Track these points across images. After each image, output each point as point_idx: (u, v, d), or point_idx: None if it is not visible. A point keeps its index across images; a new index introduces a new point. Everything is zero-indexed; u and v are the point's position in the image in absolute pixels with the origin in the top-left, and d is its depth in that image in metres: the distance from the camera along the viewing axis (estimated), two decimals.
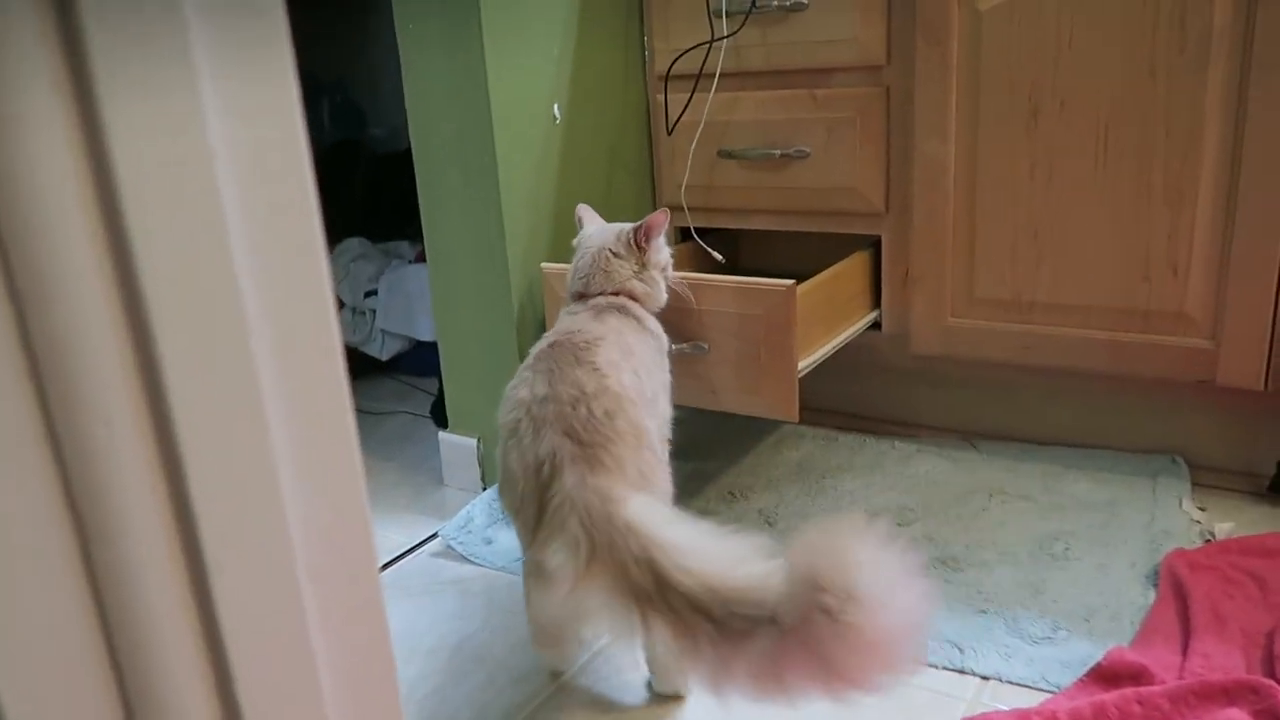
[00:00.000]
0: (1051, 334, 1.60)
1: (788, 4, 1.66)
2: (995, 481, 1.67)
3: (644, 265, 1.38)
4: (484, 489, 1.77)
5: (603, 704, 1.22)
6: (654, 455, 1.15)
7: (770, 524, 1.59)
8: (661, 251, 1.41)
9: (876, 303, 1.77)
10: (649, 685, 1.23)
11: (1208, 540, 1.44)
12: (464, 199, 1.65)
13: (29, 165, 0.36)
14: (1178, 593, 1.28)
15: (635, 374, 1.22)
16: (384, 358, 2.40)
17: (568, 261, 1.45)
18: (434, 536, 1.66)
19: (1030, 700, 1.15)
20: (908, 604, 0.93)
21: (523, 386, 1.18)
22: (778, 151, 1.74)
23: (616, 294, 1.36)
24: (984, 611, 1.32)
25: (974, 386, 1.82)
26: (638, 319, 1.35)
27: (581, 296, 1.37)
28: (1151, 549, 1.42)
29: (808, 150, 1.71)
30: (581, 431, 1.09)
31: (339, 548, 0.50)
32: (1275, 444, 1.57)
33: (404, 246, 2.48)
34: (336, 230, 2.44)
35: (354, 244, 2.47)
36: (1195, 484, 1.60)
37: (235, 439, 0.43)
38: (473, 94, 1.58)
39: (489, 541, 1.60)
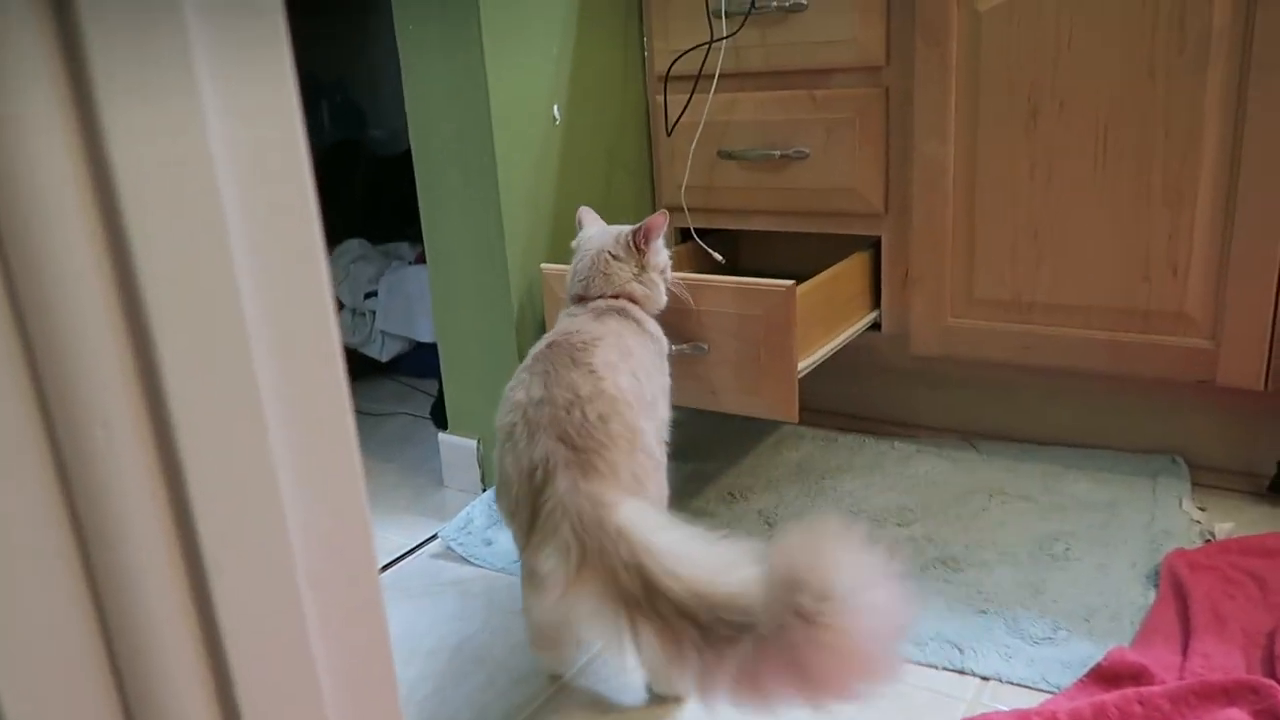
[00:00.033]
0: (1051, 334, 1.60)
1: (787, 5, 1.66)
2: (995, 482, 1.67)
3: (643, 267, 1.38)
4: (484, 490, 1.76)
5: (603, 705, 1.22)
6: (649, 458, 1.15)
7: (770, 525, 1.59)
8: (660, 254, 1.41)
9: (876, 303, 1.77)
10: (649, 687, 1.23)
11: (1208, 540, 1.44)
12: (464, 200, 1.65)
13: (28, 166, 0.36)
14: (1178, 593, 1.28)
15: (633, 376, 1.21)
16: (384, 359, 2.40)
17: (567, 262, 1.45)
18: (434, 538, 1.66)
19: (1030, 701, 1.15)
20: (886, 607, 0.93)
21: (519, 389, 1.18)
22: (777, 152, 1.74)
23: (616, 297, 1.36)
24: (984, 612, 1.32)
25: (974, 387, 1.82)
26: (638, 321, 1.35)
27: (581, 299, 1.37)
28: (1152, 549, 1.42)
29: (807, 151, 1.71)
30: (575, 436, 1.09)
31: (339, 549, 0.50)
32: (1275, 444, 1.57)
33: (404, 248, 2.48)
34: (336, 231, 2.44)
35: (354, 245, 2.47)
36: (1195, 484, 1.60)
37: (234, 441, 0.43)
38: (472, 95, 1.58)
39: (489, 543, 1.60)
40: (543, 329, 1.65)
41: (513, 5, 1.59)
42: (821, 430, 1.91)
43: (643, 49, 1.86)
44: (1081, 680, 1.15)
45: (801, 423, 1.59)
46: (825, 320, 1.60)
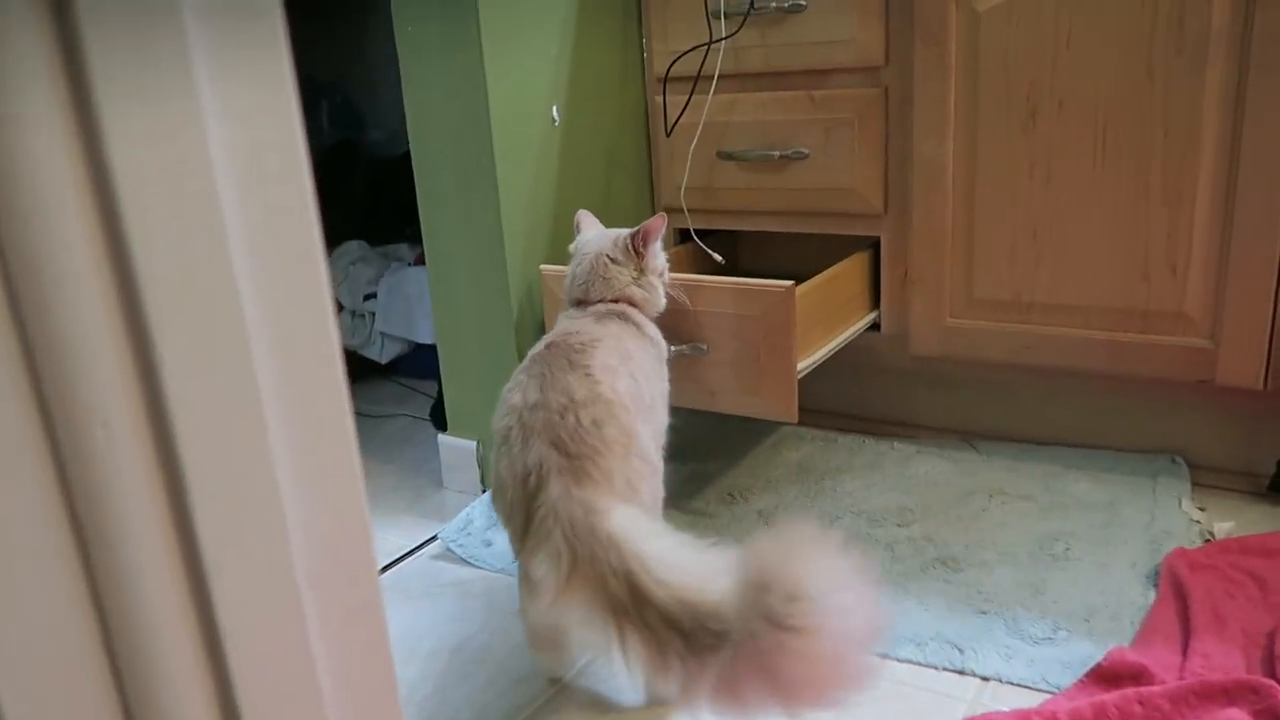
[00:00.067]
0: (1051, 334, 1.60)
1: (786, 5, 1.66)
2: (995, 482, 1.67)
3: (642, 271, 1.38)
4: (483, 491, 1.76)
5: (603, 705, 1.22)
6: (644, 463, 1.15)
7: (770, 525, 1.59)
8: (658, 257, 1.41)
9: (875, 303, 1.77)
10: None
11: (1208, 540, 1.44)
12: (463, 201, 1.65)
13: (28, 167, 0.36)
14: (1178, 593, 1.28)
15: (632, 378, 1.21)
16: (383, 360, 2.40)
17: (566, 264, 1.45)
18: (433, 539, 1.66)
19: (1031, 701, 1.15)
20: (857, 611, 0.92)
21: (516, 391, 1.18)
22: (776, 153, 1.74)
23: (616, 301, 1.36)
24: (984, 612, 1.32)
25: (973, 387, 1.82)
26: (638, 325, 1.35)
27: (581, 303, 1.37)
28: (1152, 549, 1.42)
29: (806, 151, 1.71)
30: (569, 442, 1.09)
31: (338, 550, 0.50)
32: (1275, 443, 1.57)
33: (403, 249, 2.48)
34: (335, 233, 2.44)
35: (353, 247, 2.47)
36: (1195, 484, 1.60)
37: (234, 442, 0.43)
38: (471, 96, 1.58)
39: (488, 544, 1.60)
40: (542, 330, 1.65)
41: (512, 6, 1.59)
42: (821, 431, 1.91)
43: (642, 50, 1.86)
44: (1081, 680, 1.15)
45: (801, 423, 1.59)
46: (825, 321, 1.60)
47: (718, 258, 1.78)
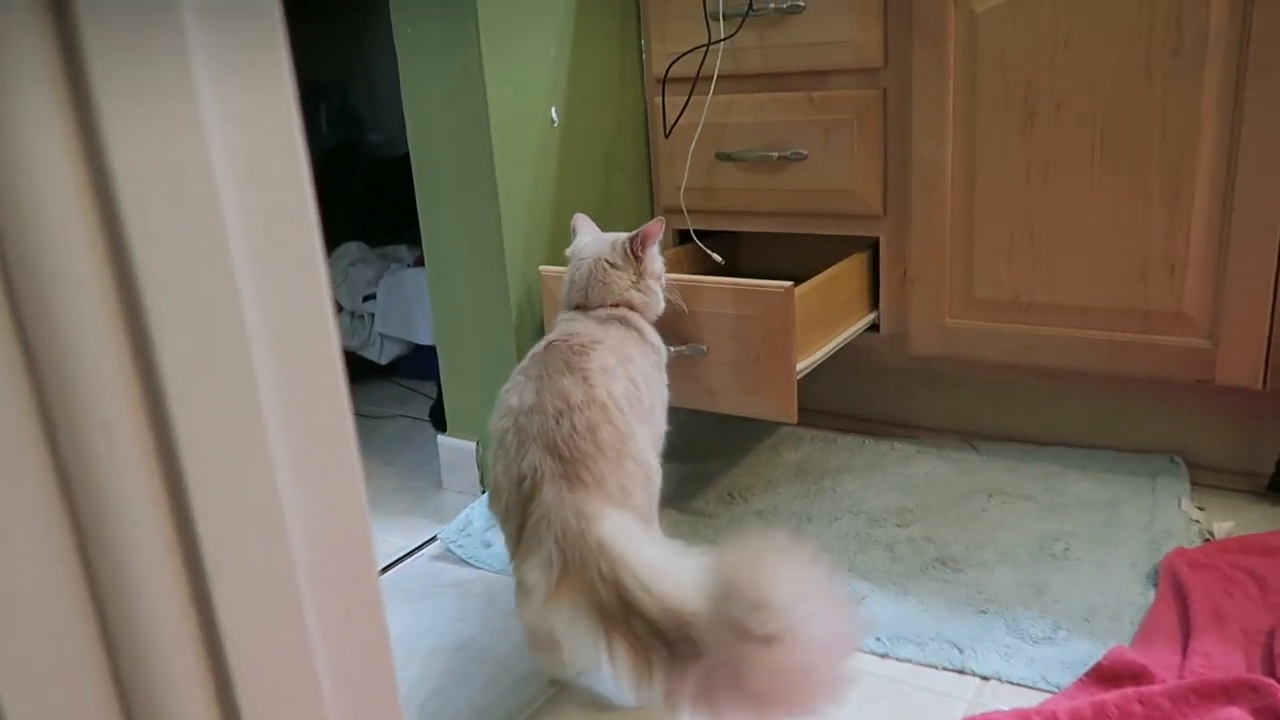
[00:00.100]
0: (1050, 334, 1.60)
1: (785, 6, 1.66)
2: (995, 482, 1.67)
3: (641, 275, 1.38)
4: (483, 492, 1.76)
5: (602, 706, 1.22)
6: (638, 467, 1.15)
7: (770, 525, 1.59)
8: (656, 260, 1.41)
9: (875, 304, 1.77)
10: None
11: (1207, 539, 1.44)
12: (462, 202, 1.65)
13: (27, 168, 0.36)
14: (1178, 592, 1.28)
15: (630, 381, 1.22)
16: (383, 361, 2.40)
17: (566, 266, 1.45)
18: (433, 540, 1.66)
19: (1031, 700, 1.15)
20: (826, 622, 0.92)
21: (513, 393, 1.18)
22: (775, 154, 1.74)
23: (617, 305, 1.36)
24: (984, 612, 1.32)
25: (973, 387, 1.83)
26: (639, 330, 1.35)
27: (580, 308, 1.37)
28: (1151, 548, 1.42)
29: (805, 152, 1.72)
30: (563, 447, 1.09)
31: (339, 551, 0.50)
32: (1274, 443, 1.57)
33: (402, 250, 2.48)
34: (335, 234, 2.44)
35: (352, 248, 2.47)
36: (1195, 483, 1.60)
37: (234, 443, 0.43)
38: (470, 97, 1.58)
39: (488, 544, 1.60)
40: (541, 331, 1.65)
41: (510, 8, 1.60)
42: (821, 431, 1.91)
43: (640, 51, 1.86)
44: (1081, 680, 1.15)
45: (801, 424, 1.59)
46: (824, 321, 1.60)
47: (717, 258, 1.78)
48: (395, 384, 2.41)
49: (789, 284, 1.42)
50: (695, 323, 1.49)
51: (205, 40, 0.40)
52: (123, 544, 0.40)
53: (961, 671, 1.21)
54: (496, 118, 1.58)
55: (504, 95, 1.60)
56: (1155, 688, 1.08)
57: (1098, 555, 1.42)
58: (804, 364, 1.50)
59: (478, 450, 1.78)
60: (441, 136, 1.64)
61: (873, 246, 1.74)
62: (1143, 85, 1.44)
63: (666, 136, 1.83)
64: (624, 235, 1.39)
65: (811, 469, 1.77)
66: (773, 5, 1.67)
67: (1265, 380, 1.46)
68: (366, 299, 2.38)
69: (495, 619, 1.42)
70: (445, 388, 1.81)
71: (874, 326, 1.77)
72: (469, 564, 1.57)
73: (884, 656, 1.25)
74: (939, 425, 1.87)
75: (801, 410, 1.48)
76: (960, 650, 1.24)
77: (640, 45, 1.86)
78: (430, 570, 1.57)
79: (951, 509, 1.59)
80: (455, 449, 1.82)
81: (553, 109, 1.70)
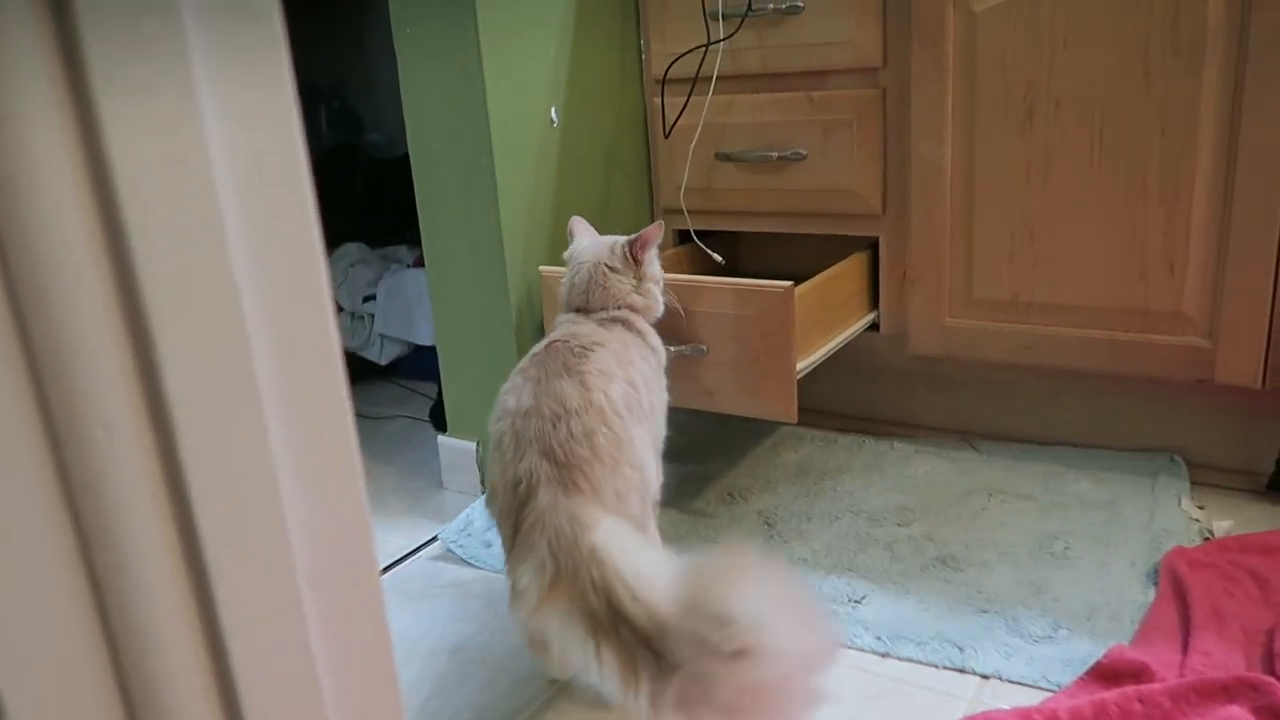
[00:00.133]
0: (1049, 334, 1.60)
1: (784, 7, 1.66)
2: (995, 481, 1.67)
3: (641, 279, 1.38)
4: (483, 492, 1.76)
5: (603, 706, 1.22)
6: (635, 471, 1.14)
7: (770, 525, 1.59)
8: (655, 264, 1.41)
9: (874, 304, 1.77)
10: None
11: (1207, 538, 1.44)
12: (462, 203, 1.66)
13: (27, 167, 0.36)
14: (1178, 591, 1.28)
15: (629, 384, 1.22)
16: (383, 362, 2.40)
17: (564, 268, 1.45)
18: (433, 540, 1.66)
19: (1031, 699, 1.15)
20: (796, 635, 0.92)
21: (511, 394, 1.19)
22: (775, 154, 1.74)
23: (619, 308, 1.36)
24: (984, 611, 1.32)
25: (973, 387, 1.83)
26: (641, 334, 1.35)
27: (581, 311, 1.37)
28: (1151, 547, 1.42)
29: (805, 152, 1.72)
30: (559, 452, 1.09)
31: (339, 550, 0.50)
32: (1274, 441, 1.57)
33: (402, 251, 2.48)
34: (335, 235, 2.44)
35: (352, 249, 2.47)
36: (1194, 482, 1.60)
37: (235, 441, 0.43)
38: (470, 98, 1.58)
39: (488, 544, 1.60)
40: (541, 331, 1.65)
41: (510, 8, 1.60)
42: (821, 431, 1.91)
43: (640, 51, 1.86)
44: (1082, 678, 1.15)
45: (800, 423, 1.60)
46: (824, 321, 1.60)
47: (718, 258, 1.78)
48: (395, 384, 2.41)
49: (789, 284, 1.42)
50: (695, 323, 1.49)
51: (205, 40, 0.40)
52: (123, 541, 0.40)
53: (962, 670, 1.22)
54: (496, 118, 1.59)
55: (504, 95, 1.60)
56: (1155, 686, 1.08)
57: (1098, 554, 1.43)
58: (804, 364, 1.50)
59: (478, 450, 1.78)
60: (441, 137, 1.64)
61: (872, 246, 1.74)
62: (1141, 85, 1.44)
63: (666, 137, 1.83)
64: (623, 239, 1.39)
65: (811, 469, 1.77)
66: (771, 5, 1.67)
67: (1264, 379, 1.46)
68: (366, 300, 2.38)
69: (495, 619, 1.42)
70: (445, 388, 1.81)
71: (874, 326, 1.77)
72: (469, 564, 1.57)
73: (885, 655, 1.25)
74: (939, 425, 1.87)
75: (801, 410, 1.48)
76: (961, 649, 1.24)
77: (640, 45, 1.86)
78: (431, 570, 1.57)
79: (951, 508, 1.59)
80: (455, 449, 1.82)
81: (552, 109, 1.70)
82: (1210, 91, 1.40)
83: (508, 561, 1.12)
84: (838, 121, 1.68)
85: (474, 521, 1.66)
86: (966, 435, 1.84)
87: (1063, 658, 1.21)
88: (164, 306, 0.40)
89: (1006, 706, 1.13)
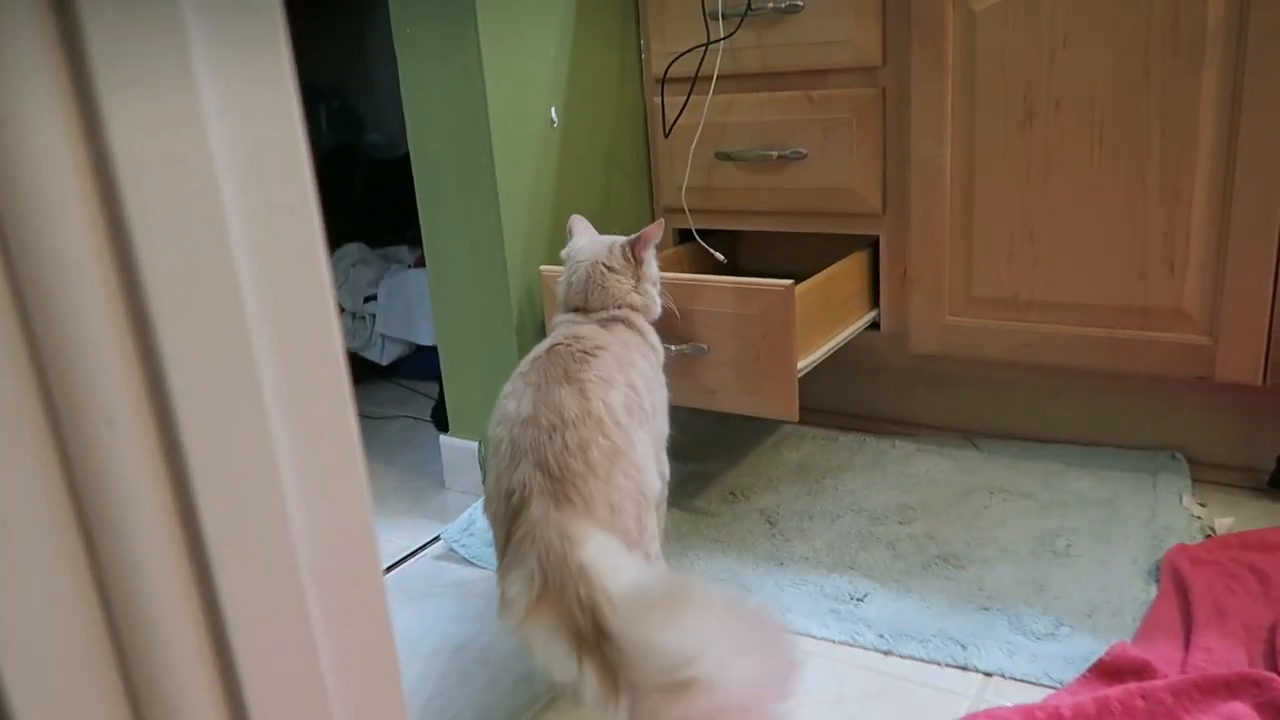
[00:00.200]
0: (1050, 332, 1.61)
1: (783, 6, 1.66)
2: (996, 479, 1.67)
3: (639, 278, 1.38)
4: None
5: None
6: (630, 481, 1.15)
7: (772, 524, 1.59)
8: (653, 264, 1.41)
9: (875, 302, 1.77)
10: None
11: (1208, 535, 1.44)
12: (462, 203, 1.66)
13: (29, 165, 0.36)
14: (1179, 588, 1.28)
15: (630, 388, 1.22)
16: (384, 362, 2.40)
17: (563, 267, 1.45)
18: (436, 539, 1.66)
19: (1033, 696, 1.15)
20: (741, 667, 0.92)
21: (511, 399, 1.19)
22: (775, 153, 1.74)
23: (619, 307, 1.36)
24: (986, 609, 1.32)
25: (973, 385, 1.83)
26: (641, 333, 1.36)
27: (580, 310, 1.37)
28: (1153, 545, 1.42)
29: (805, 151, 1.72)
30: (554, 465, 1.10)
31: (342, 548, 0.50)
32: (1274, 439, 1.57)
33: (403, 251, 2.49)
34: (335, 235, 2.44)
35: (353, 249, 2.47)
36: (1195, 480, 1.60)
37: (237, 438, 0.43)
38: (470, 98, 1.58)
39: (491, 544, 1.60)
40: (542, 330, 1.66)
41: (510, 8, 1.60)
42: (822, 429, 1.91)
43: (640, 51, 1.87)
44: (1084, 675, 1.16)
45: (801, 422, 1.60)
46: (824, 320, 1.60)
47: (720, 257, 1.78)
48: (397, 385, 2.42)
49: (789, 282, 1.42)
50: (695, 322, 1.49)
51: (206, 36, 0.40)
52: (127, 538, 0.40)
53: (964, 668, 1.22)
54: (496, 118, 1.59)
55: (504, 95, 1.60)
56: (1158, 683, 1.08)
57: (1099, 552, 1.43)
58: (804, 362, 1.50)
59: (480, 450, 1.78)
60: (441, 137, 1.64)
61: (872, 245, 1.74)
62: (1141, 84, 1.44)
63: (666, 136, 1.83)
64: (622, 239, 1.39)
65: (813, 467, 1.77)
66: (771, 5, 1.67)
67: (1265, 376, 1.46)
68: (368, 300, 2.38)
69: (498, 619, 1.42)
70: (447, 388, 1.81)
71: (874, 325, 1.77)
72: (472, 563, 1.57)
73: (887, 654, 1.25)
74: (940, 423, 1.87)
75: (802, 409, 1.48)
76: (963, 647, 1.24)
77: (639, 45, 1.86)
78: (433, 570, 1.58)
79: (953, 506, 1.59)
80: (457, 449, 1.82)
81: (552, 109, 1.70)
82: (1210, 91, 1.40)
83: (498, 569, 1.13)
84: (837, 120, 1.68)
85: (476, 521, 1.66)
86: (967, 433, 1.84)
87: (1065, 655, 1.21)
88: (166, 303, 0.40)
89: (1009, 704, 1.13)
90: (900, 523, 1.56)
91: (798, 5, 1.65)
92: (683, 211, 1.83)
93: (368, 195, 2.65)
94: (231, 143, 0.41)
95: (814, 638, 1.30)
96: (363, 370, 2.39)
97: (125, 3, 0.37)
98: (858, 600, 1.37)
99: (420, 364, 2.35)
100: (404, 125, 1.68)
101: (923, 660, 1.24)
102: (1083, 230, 1.54)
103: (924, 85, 1.59)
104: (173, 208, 0.39)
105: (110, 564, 0.40)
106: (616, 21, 1.82)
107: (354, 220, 2.59)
